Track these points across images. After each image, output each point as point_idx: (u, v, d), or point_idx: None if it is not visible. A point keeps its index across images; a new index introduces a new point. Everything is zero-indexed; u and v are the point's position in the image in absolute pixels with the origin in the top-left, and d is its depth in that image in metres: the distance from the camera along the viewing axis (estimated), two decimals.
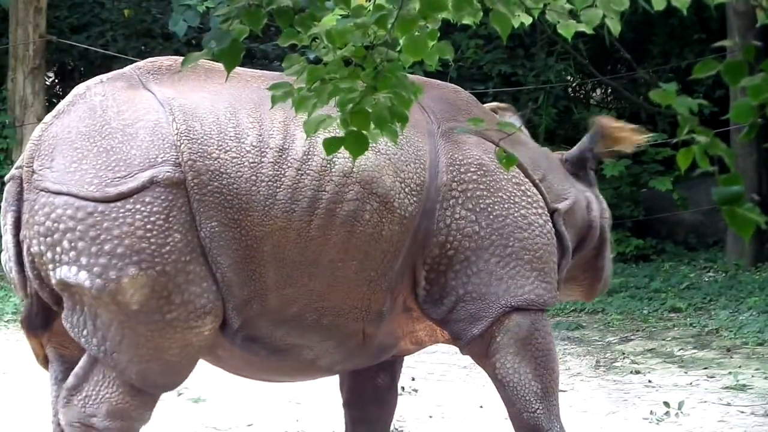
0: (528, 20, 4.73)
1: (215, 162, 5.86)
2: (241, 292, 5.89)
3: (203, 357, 6.18)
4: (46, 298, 5.98)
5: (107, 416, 5.89)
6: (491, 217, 6.30)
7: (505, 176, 6.38)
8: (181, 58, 6.05)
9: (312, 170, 5.97)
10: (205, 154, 5.85)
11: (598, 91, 18.87)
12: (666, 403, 9.19)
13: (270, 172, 5.91)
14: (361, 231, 6.01)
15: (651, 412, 9.16)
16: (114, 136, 5.84)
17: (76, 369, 5.98)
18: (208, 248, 5.80)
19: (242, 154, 5.91)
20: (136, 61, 6.39)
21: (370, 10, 4.14)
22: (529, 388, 6.33)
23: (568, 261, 6.67)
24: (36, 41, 16.18)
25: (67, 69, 18.62)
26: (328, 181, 5.97)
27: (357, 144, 4.23)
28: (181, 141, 5.84)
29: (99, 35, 17.52)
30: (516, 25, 4.63)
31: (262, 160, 5.92)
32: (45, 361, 6.28)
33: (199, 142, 5.87)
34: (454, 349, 6.57)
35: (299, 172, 5.95)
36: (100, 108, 5.94)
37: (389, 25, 4.08)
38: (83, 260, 5.74)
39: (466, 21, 4.61)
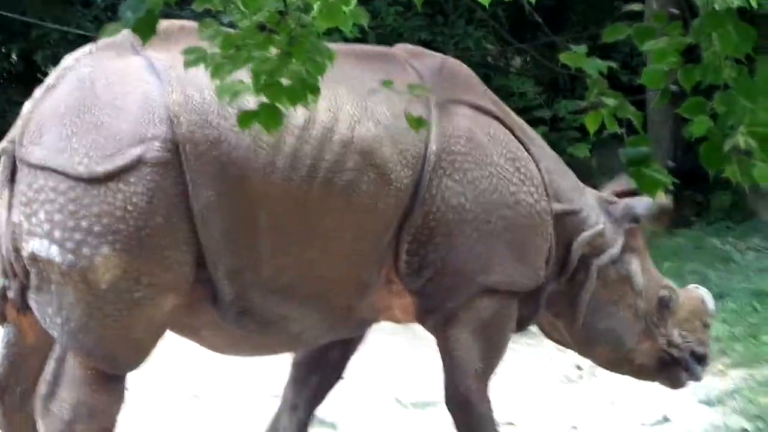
0: None
1: (215, 131, 5.67)
2: (234, 262, 5.76)
3: (187, 336, 6.09)
4: (19, 273, 5.74)
5: (87, 418, 5.74)
6: (477, 190, 6.19)
7: (497, 150, 6.32)
8: (176, 22, 5.89)
9: (312, 138, 5.83)
10: (205, 124, 5.66)
11: (518, 58, 18.95)
12: (578, 367, 9.34)
13: (270, 140, 5.74)
14: (357, 201, 5.90)
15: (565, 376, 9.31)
16: (103, 111, 5.63)
17: (46, 376, 5.82)
18: (203, 219, 5.64)
19: None
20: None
21: None
22: (473, 366, 6.31)
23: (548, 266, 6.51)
24: None
25: None
26: (328, 150, 5.85)
27: (271, 118, 4.22)
28: (179, 112, 5.65)
29: None
30: None
31: None
32: (3, 319, 5.98)
33: (197, 111, 5.68)
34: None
35: (299, 140, 5.81)
36: (89, 80, 5.73)
37: None
38: (57, 234, 5.55)
39: None
